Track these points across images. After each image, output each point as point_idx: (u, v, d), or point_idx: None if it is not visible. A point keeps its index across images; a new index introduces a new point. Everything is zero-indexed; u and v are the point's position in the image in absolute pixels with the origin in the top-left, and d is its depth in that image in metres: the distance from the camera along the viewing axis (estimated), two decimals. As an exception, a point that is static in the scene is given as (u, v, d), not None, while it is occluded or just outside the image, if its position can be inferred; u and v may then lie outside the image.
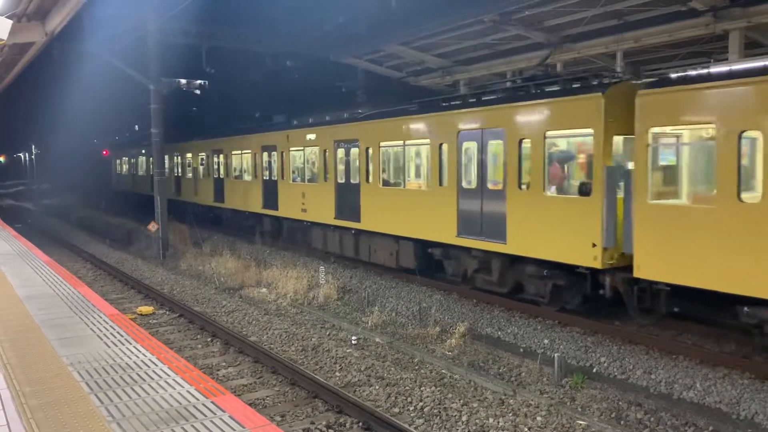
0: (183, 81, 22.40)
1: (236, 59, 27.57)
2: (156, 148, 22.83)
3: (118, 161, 44.33)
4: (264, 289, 16.39)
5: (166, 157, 31.03)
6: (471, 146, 13.35)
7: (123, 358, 6.95)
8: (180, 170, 31.80)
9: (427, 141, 14.65)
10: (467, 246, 13.61)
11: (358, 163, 17.20)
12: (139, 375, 6.37)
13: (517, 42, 18.84)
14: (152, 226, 22.56)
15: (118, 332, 8.00)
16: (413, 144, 15.29)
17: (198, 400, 5.70)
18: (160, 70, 22.18)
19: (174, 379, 6.24)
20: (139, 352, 7.17)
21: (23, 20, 14.03)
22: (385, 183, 16.47)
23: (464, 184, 13.62)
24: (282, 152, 21.14)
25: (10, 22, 10.78)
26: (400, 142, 15.60)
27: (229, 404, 5.61)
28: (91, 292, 10.68)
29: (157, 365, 6.68)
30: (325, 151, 18.64)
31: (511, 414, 8.47)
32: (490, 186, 12.93)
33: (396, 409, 8.72)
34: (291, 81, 27.92)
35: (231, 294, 16.39)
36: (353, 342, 11.88)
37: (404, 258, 15.95)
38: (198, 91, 22.94)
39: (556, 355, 10.02)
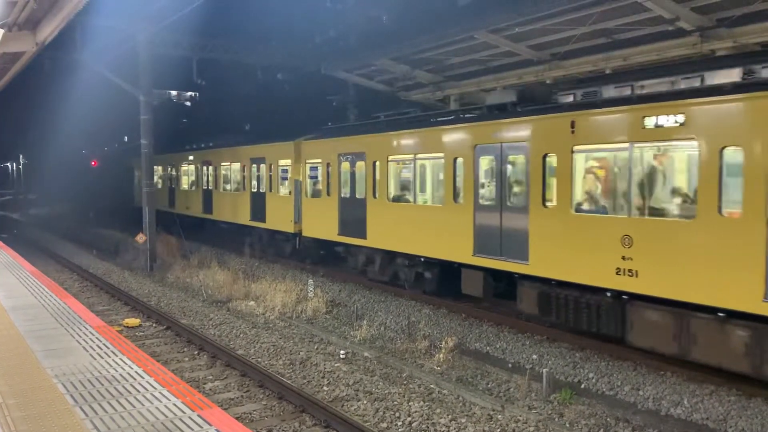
0: (174, 92, 22.38)
1: (228, 71, 27.57)
2: (145, 160, 22.71)
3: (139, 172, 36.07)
4: (252, 302, 16.29)
5: (238, 164, 24.02)
6: None
7: (109, 370, 6.87)
8: (264, 185, 22.08)
9: None
10: None
11: None
12: (124, 387, 6.30)
13: (506, 58, 19.00)
14: (140, 238, 22.42)
15: (104, 344, 7.92)
16: None
17: (184, 413, 5.64)
18: (151, 81, 22.16)
19: (160, 392, 6.17)
20: (125, 364, 7.09)
21: (14, 29, 13.98)
22: None
23: None
24: (555, 156, 11.27)
25: (1, 32, 10.74)
26: None
27: (215, 418, 5.56)
28: (77, 304, 10.58)
29: (143, 378, 6.62)
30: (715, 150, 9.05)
31: (499, 429, 8.45)
32: None
33: (384, 424, 8.67)
34: (282, 93, 27.89)
35: (219, 307, 16.28)
36: (341, 356, 11.83)
37: None
38: (188, 103, 22.91)
39: (544, 370, 10.02)
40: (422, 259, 14.85)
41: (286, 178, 20.74)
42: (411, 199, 15.38)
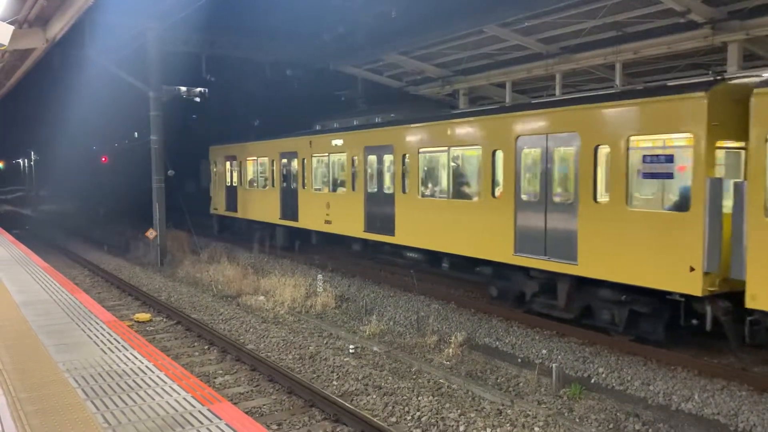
0: (183, 89, 22.45)
1: (236, 67, 27.57)
2: (155, 156, 22.80)
3: (229, 164, 25.80)
4: (261, 297, 16.34)
5: (471, 151, 13.99)
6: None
7: (119, 364, 6.91)
8: (573, 190, 11.39)
9: None
10: None
11: None
12: (135, 382, 6.34)
13: (516, 52, 18.91)
14: (150, 233, 22.53)
15: (114, 339, 7.97)
16: None
17: (194, 407, 5.67)
18: (160, 78, 22.23)
19: (170, 387, 6.20)
20: (136, 359, 7.13)
21: (24, 26, 14.06)
22: None
23: None
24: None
25: (11, 28, 10.79)
26: None
27: (225, 412, 5.58)
28: (88, 299, 10.65)
29: (153, 372, 6.65)
30: None
31: (508, 424, 8.44)
32: None
33: (393, 419, 8.68)
34: (291, 89, 27.84)
35: (228, 302, 16.34)
36: (351, 351, 11.85)
37: None
38: (198, 99, 22.98)
39: (554, 365, 9.99)
40: None
41: (654, 176, 10.29)
42: None
